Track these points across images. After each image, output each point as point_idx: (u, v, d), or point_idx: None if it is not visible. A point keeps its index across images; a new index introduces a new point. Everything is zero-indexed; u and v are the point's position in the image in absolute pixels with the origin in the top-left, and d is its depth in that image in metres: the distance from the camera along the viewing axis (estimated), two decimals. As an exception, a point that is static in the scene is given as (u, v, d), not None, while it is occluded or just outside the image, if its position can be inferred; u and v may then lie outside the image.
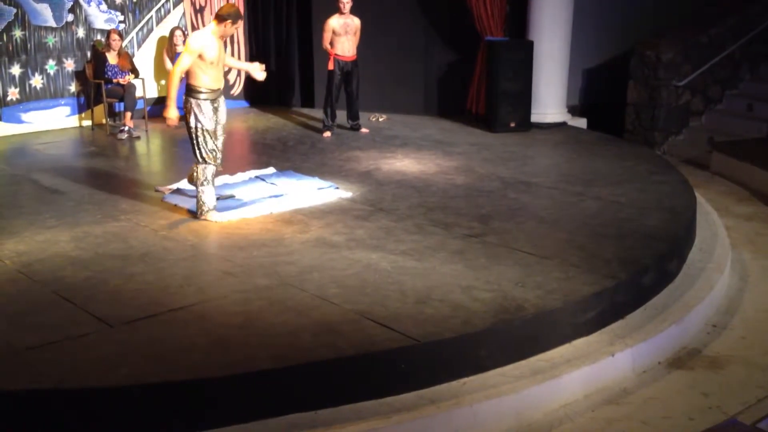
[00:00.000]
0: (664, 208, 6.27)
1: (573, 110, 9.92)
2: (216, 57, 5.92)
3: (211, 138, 6.00)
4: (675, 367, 4.63)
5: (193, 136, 5.98)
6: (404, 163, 7.87)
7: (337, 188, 6.93)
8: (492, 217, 6.13)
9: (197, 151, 6.00)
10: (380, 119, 10.01)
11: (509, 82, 9.12)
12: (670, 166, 7.81)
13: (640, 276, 5.04)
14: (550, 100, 9.49)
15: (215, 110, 6.03)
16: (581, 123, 9.83)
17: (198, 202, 6.10)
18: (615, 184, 7.04)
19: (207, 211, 6.09)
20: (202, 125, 5.95)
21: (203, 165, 6.02)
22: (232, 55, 10.86)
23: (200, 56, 5.84)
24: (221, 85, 6.10)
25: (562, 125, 9.57)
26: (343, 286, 4.76)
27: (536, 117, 9.42)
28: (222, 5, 5.95)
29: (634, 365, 4.51)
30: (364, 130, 9.28)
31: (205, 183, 6.05)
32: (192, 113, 5.94)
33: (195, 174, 6.09)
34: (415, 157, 8.14)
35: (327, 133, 9.18)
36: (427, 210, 6.31)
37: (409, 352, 4.03)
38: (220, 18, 5.88)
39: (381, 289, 4.72)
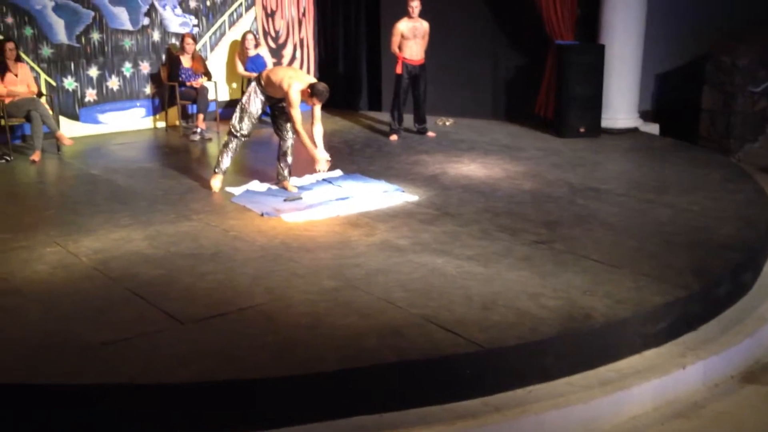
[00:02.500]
0: (738, 217, 6.10)
1: (645, 115, 9.71)
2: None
3: (248, 120, 6.93)
4: (748, 381, 4.50)
5: (238, 108, 6.97)
6: (471, 168, 7.84)
7: (403, 192, 6.94)
8: (560, 223, 6.06)
9: (232, 119, 7.03)
10: (447, 123, 9.99)
11: (579, 86, 9.00)
12: (745, 175, 7.59)
13: (714, 287, 4.91)
14: (621, 105, 9.32)
15: (263, 103, 6.93)
16: (653, 129, 9.62)
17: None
18: (688, 191, 6.88)
19: (213, 173, 7.07)
20: (248, 106, 6.90)
21: (229, 134, 7.02)
22: (301, 63, 11.01)
23: (290, 103, 6.63)
24: (272, 93, 6.89)
25: (634, 131, 9.39)
26: (409, 290, 4.77)
27: (607, 122, 9.27)
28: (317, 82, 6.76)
29: (706, 378, 4.39)
30: (430, 133, 9.28)
31: (223, 147, 7.06)
32: (249, 94, 6.94)
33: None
34: (481, 161, 8.10)
35: (394, 137, 9.21)
36: (494, 215, 6.27)
37: (474, 357, 4.01)
38: (314, 91, 6.59)
39: (447, 293, 4.71)
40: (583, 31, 9.51)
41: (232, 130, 7.01)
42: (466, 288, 4.78)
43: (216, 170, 7.11)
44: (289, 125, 7.02)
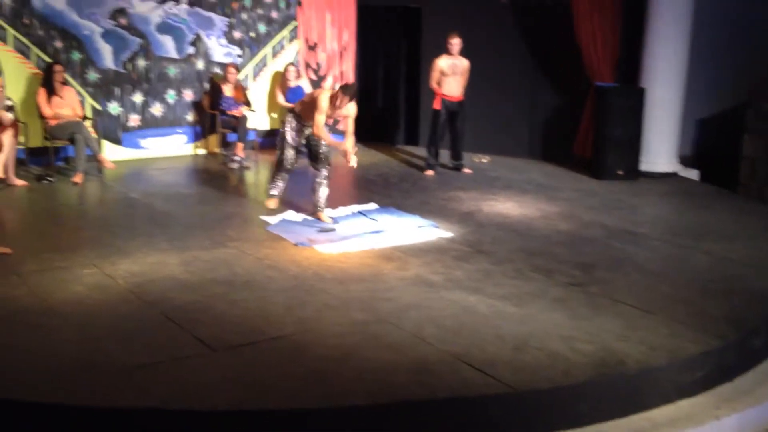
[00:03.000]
0: (778, 267, 6.00)
1: (684, 161, 9.64)
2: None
3: (288, 149, 7.22)
4: (785, 436, 4.39)
5: (278, 139, 7.34)
6: (506, 206, 7.83)
7: (438, 227, 6.94)
8: (595, 266, 6.00)
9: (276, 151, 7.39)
10: (483, 160, 10.01)
11: (618, 128, 8.97)
12: (786, 224, 7.48)
13: (750, 337, 4.82)
14: (660, 149, 9.27)
15: (299, 131, 7.16)
16: (693, 174, 9.54)
17: None
18: (727, 239, 6.79)
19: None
20: (286, 136, 7.19)
21: (275, 164, 7.45)
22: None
23: (317, 107, 6.81)
24: (306, 120, 7.13)
25: (673, 176, 9.31)
26: (440, 327, 4.75)
27: (645, 166, 9.21)
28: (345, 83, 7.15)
29: (741, 431, 4.29)
30: (466, 170, 9.29)
31: (271, 177, 7.52)
32: (285, 123, 7.22)
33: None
34: (517, 200, 8.08)
35: (429, 172, 9.24)
36: (528, 255, 6.24)
37: (504, 399, 3.97)
38: (342, 89, 6.84)
39: (478, 332, 4.68)
40: (624, 74, 9.51)
41: (276, 159, 7.39)
42: (497, 327, 4.75)
43: (269, 194, 7.57)
44: (322, 167, 7.17)
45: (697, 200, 8.31)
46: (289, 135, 7.18)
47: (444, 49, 9.05)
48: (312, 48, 10.86)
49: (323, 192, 7.18)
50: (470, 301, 5.19)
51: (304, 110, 7.05)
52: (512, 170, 9.54)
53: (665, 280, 5.71)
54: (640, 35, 9.14)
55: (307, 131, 7.15)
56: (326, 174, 7.22)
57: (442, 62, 9.05)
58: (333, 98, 6.81)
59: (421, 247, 6.40)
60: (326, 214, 7.24)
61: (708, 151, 10.11)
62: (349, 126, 7.09)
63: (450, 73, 9.03)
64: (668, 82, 9.09)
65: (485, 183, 8.85)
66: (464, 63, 9.05)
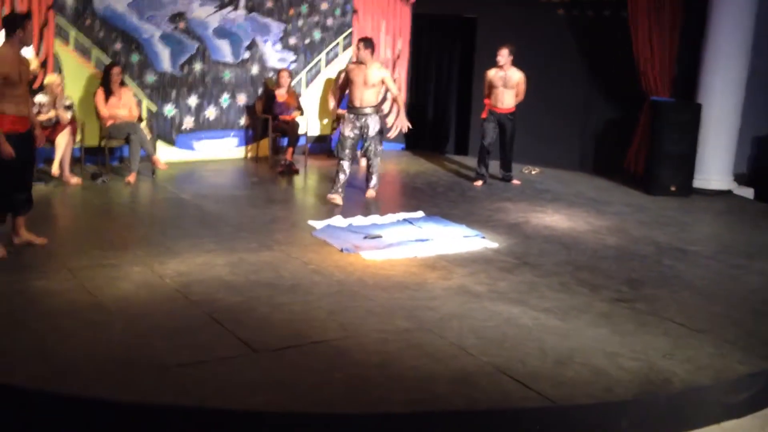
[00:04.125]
0: (835, 291, 5.82)
1: (739, 179, 9.42)
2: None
3: (344, 141, 8.05)
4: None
5: (339, 136, 8.26)
6: (554, 219, 7.75)
7: (484, 237, 6.91)
8: (643, 282, 5.90)
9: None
10: (533, 172, 9.93)
11: (673, 144, 8.82)
12: None
13: (803, 362, 4.68)
14: (715, 166, 9.08)
15: (353, 122, 8.01)
16: (748, 193, 9.32)
17: None
18: (781, 260, 6.62)
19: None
20: (344, 131, 8.08)
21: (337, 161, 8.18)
22: (391, 103, 11.16)
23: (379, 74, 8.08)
24: (358, 104, 8.02)
25: (727, 193, 9.12)
26: (482, 338, 4.72)
27: (699, 182, 9.04)
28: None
29: (789, 457, 4.18)
30: (515, 181, 9.23)
31: (336, 173, 8.11)
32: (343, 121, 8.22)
33: None
34: (566, 213, 8.00)
35: (478, 182, 9.21)
36: (575, 268, 6.17)
37: (544, 413, 3.92)
38: (365, 43, 8.05)
39: (521, 344, 4.64)
40: (680, 89, 9.35)
41: (336, 155, 8.27)
42: (541, 341, 4.70)
43: (332, 191, 8.08)
44: (372, 147, 8.21)
45: (751, 219, 8.11)
46: (347, 130, 8.08)
47: (497, 60, 9.03)
48: (365, 55, 10.90)
49: (372, 174, 8.31)
50: (514, 312, 5.15)
51: (353, 94, 8.06)
52: (561, 183, 9.45)
53: (715, 300, 5.59)
54: (699, 50, 8.98)
55: (360, 121, 8.06)
56: (372, 162, 8.24)
57: (492, 73, 9.03)
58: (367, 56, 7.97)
59: (466, 256, 6.37)
60: (372, 219, 7.32)
61: (764, 170, 9.86)
62: (400, 101, 8.53)
63: (499, 85, 9.00)
64: (726, 99, 8.91)
65: (534, 195, 8.78)
66: (516, 75, 8.99)
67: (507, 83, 8.97)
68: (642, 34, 9.26)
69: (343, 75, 8.59)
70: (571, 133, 10.20)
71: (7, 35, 5.77)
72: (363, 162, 8.81)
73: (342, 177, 8.04)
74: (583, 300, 5.46)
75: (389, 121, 11.18)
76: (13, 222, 6.02)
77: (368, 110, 8.04)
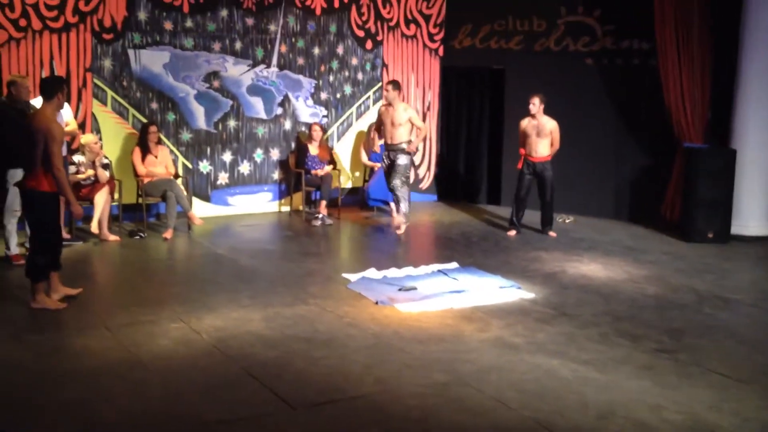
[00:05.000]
0: None
1: (778, 223, 9.28)
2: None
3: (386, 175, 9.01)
4: None
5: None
6: (591, 268, 7.68)
7: (520, 288, 6.86)
8: (684, 332, 5.80)
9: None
10: (567, 220, 9.88)
11: (708, 190, 8.74)
12: None
13: None
14: (753, 212, 8.96)
15: (386, 158, 8.91)
16: (787, 238, 9.17)
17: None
18: (826, 306, 6.46)
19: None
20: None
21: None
22: (423, 154, 11.25)
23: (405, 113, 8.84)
24: (389, 141, 8.84)
25: (766, 239, 8.96)
26: (522, 391, 4.65)
27: (737, 228, 8.91)
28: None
29: None
30: (551, 233, 9.13)
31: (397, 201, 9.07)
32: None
33: None
34: (602, 262, 7.92)
35: (512, 232, 9.18)
36: (614, 319, 6.08)
37: (588, 468, 3.84)
38: (393, 85, 8.85)
39: (561, 398, 4.56)
40: (714, 135, 9.29)
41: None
42: (581, 394, 4.62)
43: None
44: (396, 176, 8.82)
45: (793, 265, 7.96)
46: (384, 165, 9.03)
47: (527, 110, 9.08)
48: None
49: (404, 206, 8.82)
50: (553, 365, 5.08)
51: (386, 135, 8.84)
52: (597, 231, 9.38)
53: (759, 349, 5.47)
54: (731, 95, 8.94)
55: (391, 156, 8.81)
56: (396, 186, 8.77)
57: (525, 122, 9.06)
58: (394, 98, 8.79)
59: (503, 308, 6.32)
60: (406, 271, 7.32)
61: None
62: (422, 133, 9.08)
63: (532, 134, 9.01)
64: (761, 144, 8.84)
65: (569, 244, 8.72)
66: (549, 124, 9.00)
67: (540, 132, 8.98)
68: (672, 82, 9.26)
69: (376, 118, 9.32)
70: (604, 181, 10.15)
71: (48, 98, 5.94)
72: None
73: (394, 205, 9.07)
74: (623, 351, 5.37)
75: (420, 172, 11.26)
76: (47, 283, 6.11)
77: (399, 147, 8.80)
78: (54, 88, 5.96)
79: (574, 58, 10.22)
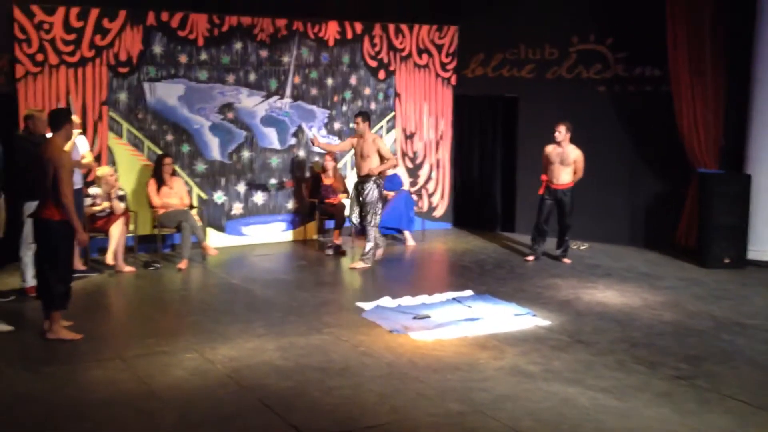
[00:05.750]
0: None
1: (796, 248, 9.19)
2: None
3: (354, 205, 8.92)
4: None
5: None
6: (606, 294, 7.63)
7: (535, 315, 6.82)
8: (702, 358, 5.74)
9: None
10: (582, 247, 9.83)
11: (724, 216, 8.68)
12: None
13: None
14: (768, 237, 8.89)
15: (354, 189, 8.86)
16: (805, 263, 9.07)
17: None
18: None
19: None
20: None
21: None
22: (437, 182, 11.27)
23: (374, 142, 8.77)
24: (358, 172, 8.78)
25: (783, 264, 8.89)
26: (538, 420, 4.61)
27: (753, 254, 8.83)
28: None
29: None
30: (566, 260, 9.09)
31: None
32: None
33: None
34: (618, 288, 7.87)
35: (530, 258, 9.16)
36: (631, 346, 6.03)
37: (606, 498, 3.79)
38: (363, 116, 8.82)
39: (578, 426, 4.51)
40: (728, 160, 9.25)
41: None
42: (599, 422, 4.57)
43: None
44: (367, 215, 8.73)
45: (812, 290, 7.87)
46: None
47: (544, 138, 9.09)
48: (409, 137, 11.08)
49: (368, 246, 8.64)
50: (570, 393, 5.04)
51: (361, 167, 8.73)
52: (612, 257, 9.33)
53: (780, 375, 5.39)
54: (745, 121, 8.91)
55: (360, 188, 8.74)
56: (373, 229, 8.64)
57: (549, 149, 9.07)
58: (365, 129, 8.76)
59: (518, 335, 6.28)
60: (421, 300, 7.28)
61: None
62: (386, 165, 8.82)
63: (555, 161, 9.01)
64: (775, 169, 8.79)
65: (584, 270, 8.67)
66: (574, 153, 8.98)
67: (564, 160, 8.98)
68: (686, 107, 9.25)
69: (348, 143, 9.17)
70: (618, 208, 10.11)
71: (56, 129, 6.05)
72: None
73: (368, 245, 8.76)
74: (641, 378, 5.32)
75: (434, 200, 11.27)
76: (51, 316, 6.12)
77: (368, 178, 8.67)
78: (60, 119, 6.11)
79: (587, 85, 10.24)
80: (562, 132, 8.92)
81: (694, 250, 9.16)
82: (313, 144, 9.36)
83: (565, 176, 9.00)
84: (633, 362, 5.64)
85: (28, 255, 7.22)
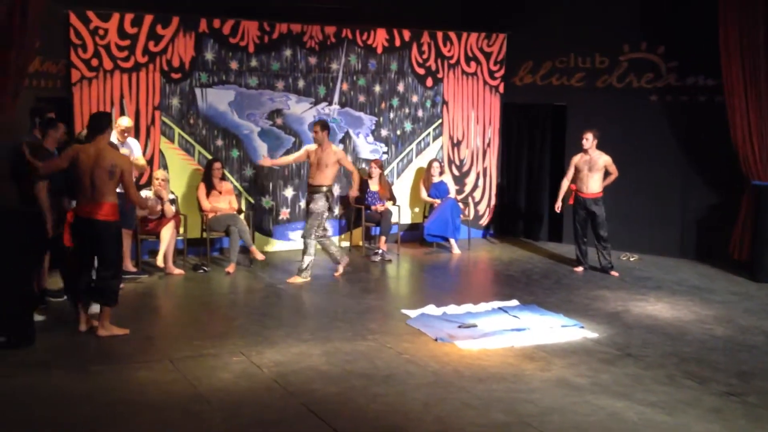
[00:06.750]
0: None
1: None
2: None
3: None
4: None
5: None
6: (656, 307, 7.50)
7: (583, 327, 6.74)
8: (754, 374, 5.61)
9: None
10: (632, 259, 9.69)
11: (778, 229, 8.49)
12: None
13: None
14: (825, 251, 8.66)
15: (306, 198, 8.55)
16: None
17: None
18: None
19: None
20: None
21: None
22: (483, 190, 11.21)
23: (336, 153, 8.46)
24: (311, 182, 8.42)
25: (841, 279, 8.65)
26: (585, 433, 4.55)
27: (809, 268, 8.62)
28: None
29: None
30: (614, 273, 8.93)
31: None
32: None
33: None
34: (668, 301, 7.73)
35: (579, 268, 9.08)
36: (681, 360, 5.92)
37: None
38: (322, 125, 8.43)
39: (626, 441, 4.44)
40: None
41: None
42: (647, 437, 4.50)
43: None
44: (307, 223, 8.45)
45: None
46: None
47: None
48: (456, 145, 11.06)
49: (306, 259, 8.37)
50: (618, 407, 4.96)
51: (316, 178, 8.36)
52: (663, 270, 9.17)
53: (837, 394, 5.24)
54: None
55: (310, 198, 8.44)
56: (311, 241, 8.38)
57: (577, 157, 9.01)
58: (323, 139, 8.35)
59: (565, 347, 6.21)
60: (465, 308, 7.27)
61: None
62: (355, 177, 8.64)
63: (583, 169, 8.93)
64: (834, 181, 8.57)
65: (633, 282, 8.54)
66: (602, 159, 8.90)
67: (592, 167, 8.90)
68: (740, 118, 9.05)
69: (304, 153, 8.64)
70: (670, 219, 9.95)
71: (99, 133, 6.24)
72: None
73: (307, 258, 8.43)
74: (691, 394, 5.22)
75: (480, 208, 11.21)
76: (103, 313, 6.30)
77: (320, 188, 8.34)
78: (103, 123, 6.37)
79: (638, 95, 10.10)
80: (589, 139, 8.85)
81: (747, 263, 8.96)
82: (262, 165, 9.18)
83: (593, 184, 8.89)
84: (683, 377, 5.54)
85: None
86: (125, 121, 8.22)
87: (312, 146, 8.56)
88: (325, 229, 8.61)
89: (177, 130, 9.40)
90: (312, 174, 8.44)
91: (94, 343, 6.11)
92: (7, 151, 6.70)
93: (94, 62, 8.86)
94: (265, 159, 9.07)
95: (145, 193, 8.61)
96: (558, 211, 9.24)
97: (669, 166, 9.89)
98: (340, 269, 8.68)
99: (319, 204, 8.33)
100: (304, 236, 8.45)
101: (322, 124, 8.48)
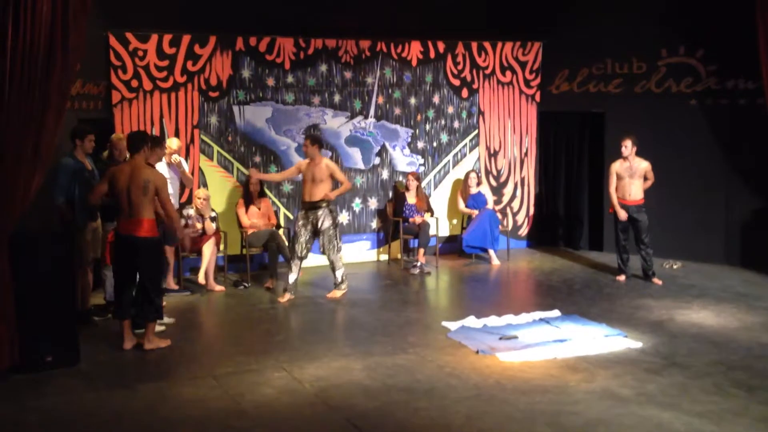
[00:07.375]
0: None
1: None
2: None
3: (295, 238, 8.27)
4: None
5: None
6: (701, 315, 7.37)
7: (626, 337, 6.64)
8: (805, 383, 5.47)
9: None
10: (675, 266, 9.54)
11: (827, 234, 8.30)
12: None
13: None
14: None
15: (303, 218, 8.22)
16: None
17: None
18: None
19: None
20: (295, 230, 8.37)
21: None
22: (521, 200, 11.13)
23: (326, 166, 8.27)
24: (308, 198, 8.20)
25: None
26: (632, 445, 4.48)
27: None
28: None
29: None
30: (656, 280, 8.80)
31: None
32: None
33: None
34: (713, 309, 7.59)
35: (621, 277, 8.97)
36: (728, 369, 5.80)
37: None
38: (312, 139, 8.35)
39: (674, 453, 4.36)
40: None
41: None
42: (696, 449, 4.41)
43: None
44: (326, 243, 8.26)
45: None
46: (298, 226, 8.25)
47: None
48: (493, 155, 11.01)
49: (339, 273, 8.30)
50: (664, 418, 4.88)
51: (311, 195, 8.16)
52: (707, 277, 9.01)
53: None
54: None
55: (311, 215, 8.17)
56: (338, 256, 8.26)
57: (617, 165, 8.90)
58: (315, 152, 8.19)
59: (609, 357, 6.13)
60: (506, 319, 7.22)
61: None
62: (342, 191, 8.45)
63: (625, 176, 8.83)
64: None
65: (677, 290, 8.41)
66: (642, 165, 8.80)
67: (633, 174, 8.79)
68: (784, 120, 8.90)
69: (295, 168, 8.56)
70: (713, 225, 9.78)
71: (135, 152, 6.40)
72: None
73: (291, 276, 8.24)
74: (739, 403, 5.11)
75: (519, 218, 11.15)
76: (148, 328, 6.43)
77: (319, 204, 8.15)
78: (139, 142, 6.48)
79: (677, 99, 9.97)
80: (628, 146, 8.75)
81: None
82: (251, 177, 8.93)
83: (635, 191, 8.78)
84: (730, 386, 5.43)
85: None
86: (174, 143, 8.41)
87: (303, 161, 8.45)
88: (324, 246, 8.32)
89: (216, 148, 9.52)
90: (308, 190, 8.20)
91: (139, 361, 6.20)
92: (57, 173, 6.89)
93: (134, 83, 9.02)
94: (253, 171, 8.92)
95: (187, 211, 8.73)
96: (624, 219, 8.94)
97: (711, 171, 9.74)
98: (337, 294, 8.35)
99: (327, 221, 8.16)
100: (327, 256, 8.33)
101: (312, 138, 8.35)
